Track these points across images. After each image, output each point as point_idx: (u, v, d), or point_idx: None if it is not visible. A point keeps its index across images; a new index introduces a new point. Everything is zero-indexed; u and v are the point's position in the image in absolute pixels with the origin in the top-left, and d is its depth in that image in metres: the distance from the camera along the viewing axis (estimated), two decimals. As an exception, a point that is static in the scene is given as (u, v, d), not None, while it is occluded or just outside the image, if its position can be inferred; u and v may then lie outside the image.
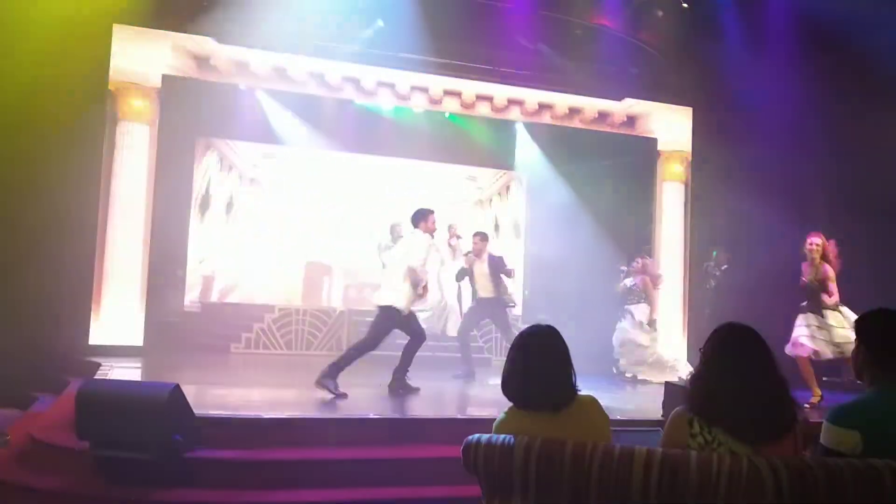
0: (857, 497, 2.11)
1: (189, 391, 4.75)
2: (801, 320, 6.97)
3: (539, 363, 2.65)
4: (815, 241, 7.01)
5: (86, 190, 8.62)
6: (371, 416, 5.64)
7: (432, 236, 6.94)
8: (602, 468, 2.23)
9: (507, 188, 12.95)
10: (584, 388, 2.71)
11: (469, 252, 8.78)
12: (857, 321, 2.66)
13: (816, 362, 6.92)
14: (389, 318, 6.63)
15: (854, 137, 8.80)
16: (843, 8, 8.36)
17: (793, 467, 2.17)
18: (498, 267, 8.63)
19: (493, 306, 8.64)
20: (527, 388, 2.64)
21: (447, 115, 10.98)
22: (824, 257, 6.97)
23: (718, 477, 2.14)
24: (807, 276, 7.00)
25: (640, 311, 9.29)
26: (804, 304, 7.03)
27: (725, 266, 10.14)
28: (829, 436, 2.49)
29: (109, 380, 6.11)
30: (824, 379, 8.50)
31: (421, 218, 6.91)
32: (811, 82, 9.21)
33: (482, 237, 8.83)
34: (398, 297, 6.61)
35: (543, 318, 6.73)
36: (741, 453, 2.27)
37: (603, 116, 11.01)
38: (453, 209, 12.18)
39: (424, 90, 10.31)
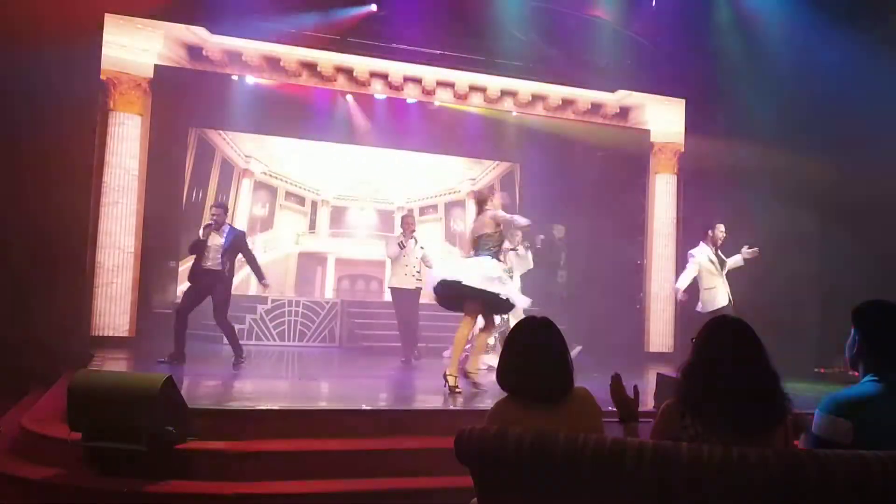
0: (846, 489, 2.13)
1: (182, 382, 4.74)
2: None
3: (538, 356, 2.66)
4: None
5: (78, 181, 8.58)
6: (364, 407, 5.65)
7: (714, 245, 8.04)
8: (594, 460, 2.24)
9: (501, 179, 12.97)
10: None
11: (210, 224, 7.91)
12: (853, 312, 2.65)
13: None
14: None
15: (848, 131, 8.81)
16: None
17: (783, 459, 2.18)
18: (236, 244, 7.80)
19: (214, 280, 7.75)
20: (525, 380, 2.65)
21: (436, 103, 10.94)
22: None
23: (709, 468, 2.15)
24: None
25: None
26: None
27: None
28: (820, 424, 2.50)
29: (102, 371, 6.09)
30: (815, 371, 8.58)
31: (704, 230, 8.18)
32: (804, 74, 9.22)
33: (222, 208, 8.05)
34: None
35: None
36: (732, 445, 2.28)
37: (596, 108, 11.01)
38: (446, 199, 12.21)
39: (417, 81, 10.28)
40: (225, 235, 7.74)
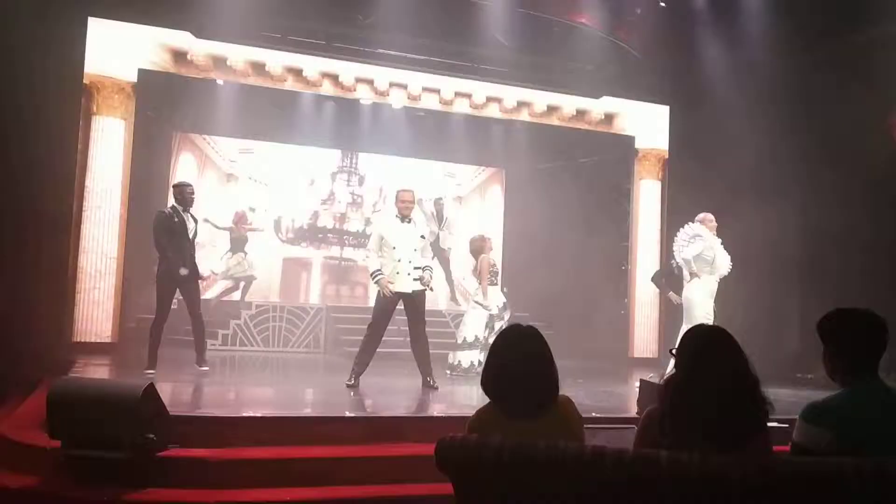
0: (824, 496, 2.14)
1: (164, 389, 4.71)
2: None
3: (523, 365, 2.65)
4: None
5: (61, 186, 8.51)
6: (347, 414, 5.63)
7: None
8: (574, 468, 2.24)
9: (486, 185, 13.00)
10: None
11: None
12: (820, 323, 2.66)
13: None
14: None
15: (832, 135, 8.88)
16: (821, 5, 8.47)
17: (762, 467, 2.19)
18: None
19: None
20: (509, 389, 2.64)
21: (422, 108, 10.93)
22: None
23: (688, 476, 2.16)
24: None
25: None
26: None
27: None
28: (801, 432, 2.51)
29: (82, 377, 6.06)
30: (797, 376, 8.63)
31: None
32: (789, 80, 9.30)
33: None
34: None
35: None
36: (712, 453, 2.28)
37: (580, 114, 11.04)
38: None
39: (403, 87, 10.28)
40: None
